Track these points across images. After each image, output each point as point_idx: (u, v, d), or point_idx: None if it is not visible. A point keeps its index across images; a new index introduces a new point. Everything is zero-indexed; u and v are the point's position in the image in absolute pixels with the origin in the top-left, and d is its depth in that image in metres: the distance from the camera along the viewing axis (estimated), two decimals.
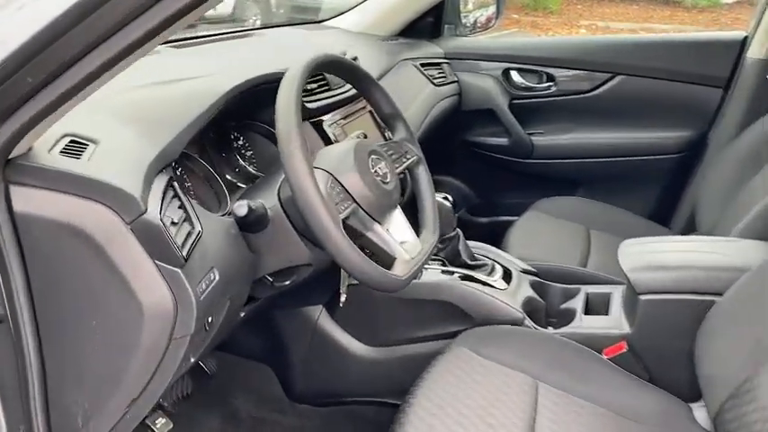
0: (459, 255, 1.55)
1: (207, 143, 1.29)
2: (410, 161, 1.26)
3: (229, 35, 1.92)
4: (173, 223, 0.95)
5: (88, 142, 0.98)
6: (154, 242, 0.90)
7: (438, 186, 2.49)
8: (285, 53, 1.68)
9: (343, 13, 2.28)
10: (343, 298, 1.42)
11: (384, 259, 1.11)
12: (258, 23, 3.93)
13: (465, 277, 1.50)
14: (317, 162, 1.10)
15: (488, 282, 1.51)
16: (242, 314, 1.23)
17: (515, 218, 2.05)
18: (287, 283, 1.20)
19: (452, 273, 1.52)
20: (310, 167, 0.98)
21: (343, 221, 1.04)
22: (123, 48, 0.77)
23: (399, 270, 1.09)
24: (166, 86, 1.21)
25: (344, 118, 1.51)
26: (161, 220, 0.90)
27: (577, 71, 2.27)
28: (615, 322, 1.40)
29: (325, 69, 1.17)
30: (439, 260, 1.56)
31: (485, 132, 2.39)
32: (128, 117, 1.06)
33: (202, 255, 0.99)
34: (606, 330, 1.39)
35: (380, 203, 1.11)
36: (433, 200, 1.27)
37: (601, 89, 2.25)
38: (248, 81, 1.20)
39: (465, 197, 2.51)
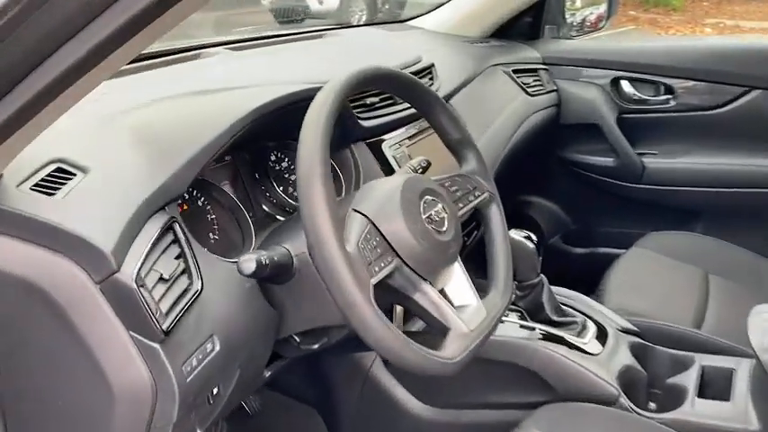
0: (542, 307, 1.28)
1: (240, 166, 1.09)
2: (479, 200, 1.01)
3: (301, 36, 1.73)
4: (162, 280, 0.75)
5: (76, 171, 0.81)
6: (128, 309, 0.71)
7: (527, 208, 2.23)
8: (351, 58, 1.47)
9: (430, 12, 2.04)
10: None
11: (435, 330, 0.87)
12: (363, 20, 3.77)
13: (548, 336, 1.24)
14: (355, 202, 0.87)
15: (577, 344, 1.23)
16: (267, 374, 1.03)
17: (617, 251, 1.75)
18: (315, 346, 0.99)
19: (533, 328, 1.26)
20: (332, 211, 0.75)
21: (383, 281, 0.81)
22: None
23: (452, 349, 0.84)
24: (192, 99, 1.03)
25: (411, 137, 1.28)
26: (136, 279, 0.71)
27: (702, 83, 1.92)
28: (739, 413, 1.10)
29: (373, 85, 0.93)
30: (518, 311, 1.30)
31: (586, 150, 2.08)
32: (135, 139, 0.88)
33: (198, 320, 0.79)
34: (727, 423, 1.09)
35: (432, 258, 0.87)
36: (506, 251, 1.01)
37: (730, 106, 1.89)
38: (282, 97, 0.99)
39: (558, 222, 2.21)
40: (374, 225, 0.84)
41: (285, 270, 0.88)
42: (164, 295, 0.76)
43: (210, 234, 1.01)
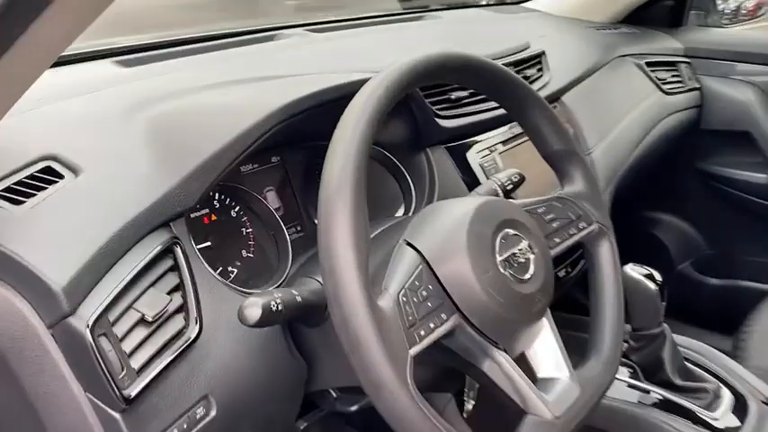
0: (661, 364, 1.00)
1: (290, 169, 0.90)
2: (583, 234, 0.77)
3: (395, 18, 1.52)
4: (143, 322, 0.58)
5: (65, 172, 0.65)
6: (83, 364, 0.54)
7: (654, 226, 1.89)
8: (440, 42, 1.24)
9: None
10: (469, 406, 0.98)
11: (507, 409, 0.65)
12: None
13: (666, 404, 0.97)
14: (410, 231, 0.66)
15: (706, 418, 0.96)
16: (302, 426, 0.84)
17: (763, 286, 1.48)
18: (353, 408, 0.78)
19: (647, 392, 0.99)
20: (360, 248, 0.54)
21: (438, 343, 0.60)
22: None
23: None
24: (229, 89, 0.85)
25: (506, 142, 1.04)
26: (94, 326, 0.54)
27: None
28: None
29: (440, 77, 0.70)
30: (629, 367, 1.03)
31: (732, 162, 1.73)
32: (150, 136, 0.72)
33: (189, 376, 0.61)
34: None
35: (508, 316, 0.64)
36: (616, 305, 0.76)
37: None
38: (324, 90, 0.79)
39: (691, 245, 1.86)
40: (429, 266, 0.62)
41: (316, 311, 0.68)
42: (142, 344, 0.58)
43: (244, 252, 0.83)
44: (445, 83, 0.93)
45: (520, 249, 0.66)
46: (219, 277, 0.72)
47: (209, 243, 0.79)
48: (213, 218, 0.81)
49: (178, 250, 0.65)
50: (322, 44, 1.16)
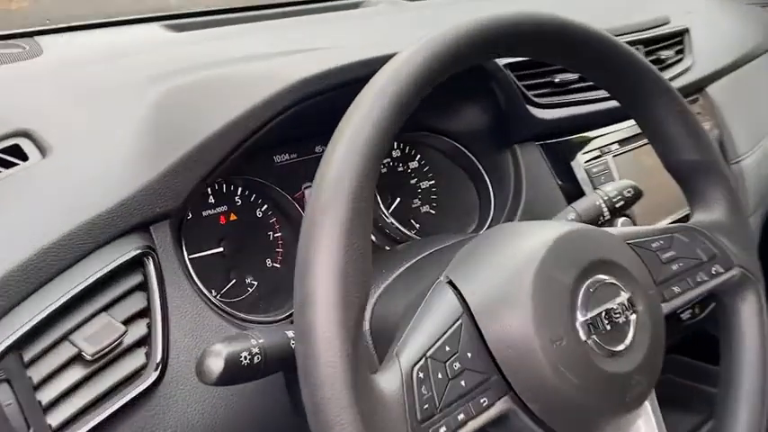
0: None
1: None
2: (720, 281, 0.53)
3: None
4: (80, 361, 0.44)
5: (33, 153, 0.53)
6: None
7: None
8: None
9: None
10: None
11: None
12: None
13: None
14: (455, 264, 0.46)
15: None
16: None
17: None
18: None
19: None
20: (344, 295, 0.35)
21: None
22: None
23: None
24: (274, 60, 0.68)
25: (625, 142, 0.81)
26: None
27: None
28: None
29: (509, 49, 0.47)
30: None
31: None
32: (148, 115, 0.58)
33: None
34: None
35: (585, 405, 0.43)
36: (761, 391, 0.52)
37: None
38: (346, 67, 0.60)
39: None
40: (473, 321, 0.43)
41: None
42: (72, 391, 0.43)
43: (269, 261, 0.67)
44: (544, 60, 0.72)
45: (615, 307, 0.44)
46: (216, 300, 0.56)
47: (220, 249, 0.64)
48: (232, 217, 0.66)
49: (149, 264, 0.49)
50: (414, 13, 0.97)
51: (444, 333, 0.42)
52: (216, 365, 0.42)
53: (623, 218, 0.73)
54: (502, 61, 0.69)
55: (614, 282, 0.45)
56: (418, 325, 0.42)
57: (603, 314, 0.44)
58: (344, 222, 0.36)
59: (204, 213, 0.64)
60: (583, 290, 0.44)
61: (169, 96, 0.59)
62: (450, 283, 0.45)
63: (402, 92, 0.40)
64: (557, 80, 0.76)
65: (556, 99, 0.75)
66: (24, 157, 0.53)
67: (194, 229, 0.62)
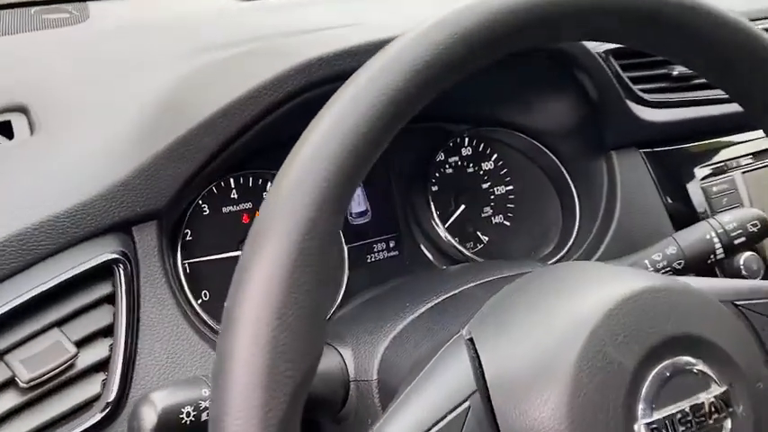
0: None
1: (390, 160, 0.62)
2: None
3: None
4: (12, 386, 0.37)
5: (22, 131, 0.50)
6: None
7: None
8: None
9: None
10: None
11: None
12: None
13: None
14: (478, 319, 0.34)
15: None
16: None
17: None
18: None
19: None
20: (271, 367, 0.25)
21: None
22: None
23: None
24: (318, 36, 0.58)
25: (758, 155, 0.64)
26: None
27: None
28: None
29: (565, 33, 0.32)
30: None
31: None
32: (158, 95, 0.50)
33: None
34: None
35: None
36: None
37: None
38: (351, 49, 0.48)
39: None
40: (487, 401, 0.31)
41: (322, 406, 0.41)
42: (4, 421, 0.36)
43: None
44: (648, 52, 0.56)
45: (699, 405, 0.31)
46: (210, 320, 0.48)
47: (239, 253, 0.55)
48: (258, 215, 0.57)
49: (119, 272, 0.41)
50: None
51: (443, 417, 0.30)
52: (148, 419, 0.33)
53: (749, 252, 0.57)
54: (596, 46, 0.55)
55: (701, 368, 0.31)
56: (413, 397, 0.31)
57: (679, 416, 0.30)
58: (285, 267, 0.26)
59: (224, 210, 0.55)
60: (651, 377, 0.30)
61: (194, 74, 0.51)
62: (471, 340, 0.33)
63: (413, 74, 0.29)
64: (675, 73, 0.60)
65: (671, 96, 0.59)
66: (11, 135, 0.47)
67: (211, 227, 0.54)
